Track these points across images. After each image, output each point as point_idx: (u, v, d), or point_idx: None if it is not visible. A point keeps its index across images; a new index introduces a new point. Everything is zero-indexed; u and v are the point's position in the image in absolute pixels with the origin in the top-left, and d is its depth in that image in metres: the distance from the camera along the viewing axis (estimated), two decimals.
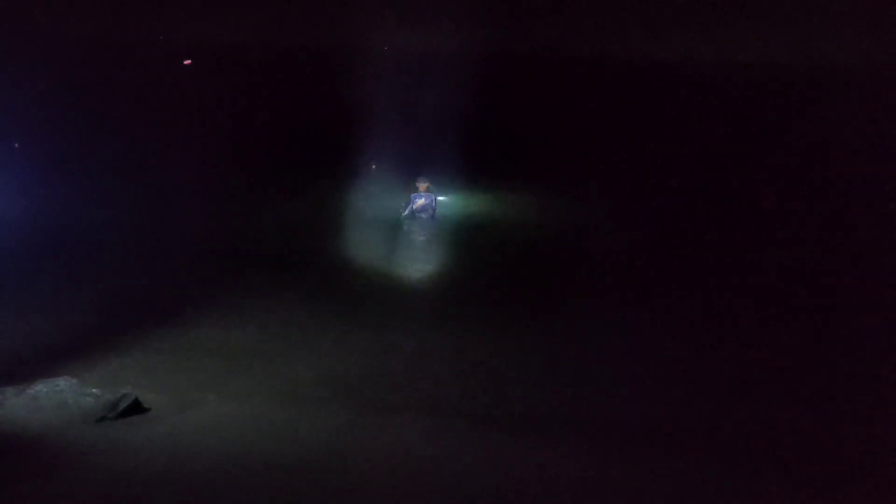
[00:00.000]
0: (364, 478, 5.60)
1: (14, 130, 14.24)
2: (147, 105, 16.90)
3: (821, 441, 6.66)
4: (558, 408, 7.33)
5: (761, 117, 19.23)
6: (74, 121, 15.78)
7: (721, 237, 12.27)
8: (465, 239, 12.19)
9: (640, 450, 6.37)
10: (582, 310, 9.71)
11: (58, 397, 6.77)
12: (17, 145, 12.79)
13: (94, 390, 6.88)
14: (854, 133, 17.07)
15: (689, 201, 14.11)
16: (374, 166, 14.33)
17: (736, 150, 17.20)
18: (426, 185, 12.90)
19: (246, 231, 12.29)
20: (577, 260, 11.56)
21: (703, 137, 17.82)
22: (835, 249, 11.53)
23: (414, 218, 12.67)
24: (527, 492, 5.56)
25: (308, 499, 5.27)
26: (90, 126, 15.67)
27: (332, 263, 11.01)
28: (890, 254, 11.04)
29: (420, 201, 12.68)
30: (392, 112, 15.86)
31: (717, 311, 9.62)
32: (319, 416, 6.79)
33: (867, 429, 6.87)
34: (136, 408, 6.71)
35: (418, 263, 11.24)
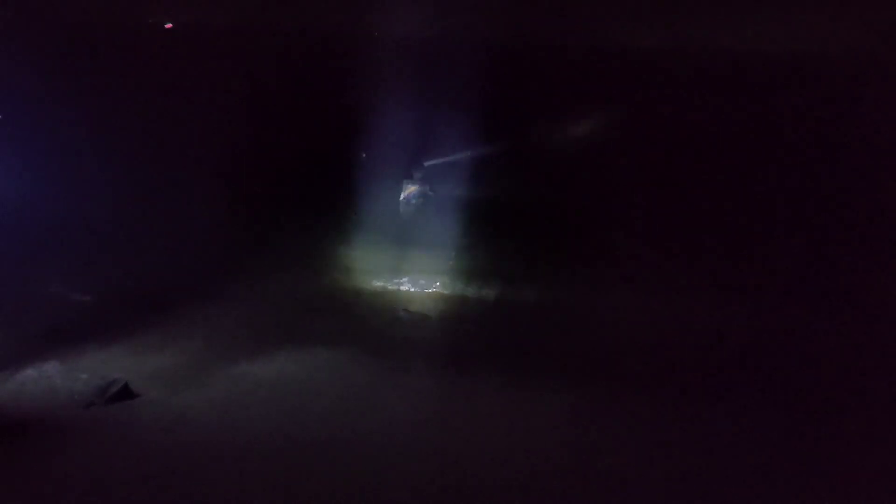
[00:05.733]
0: (362, 459, 5.63)
1: None
2: (132, 91, 16.52)
3: None
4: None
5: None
6: (57, 107, 15.39)
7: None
8: (453, 228, 12.16)
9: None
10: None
11: (46, 382, 6.74)
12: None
13: (82, 375, 6.85)
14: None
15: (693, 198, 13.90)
16: (364, 155, 14.11)
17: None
18: (420, 175, 12.85)
19: (236, 217, 12.13)
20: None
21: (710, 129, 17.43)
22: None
23: (405, 207, 12.64)
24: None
25: (300, 483, 5.30)
26: (73, 113, 15.28)
27: (322, 249, 10.99)
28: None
29: (411, 188, 12.66)
30: (392, 102, 15.57)
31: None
32: (313, 399, 6.80)
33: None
34: (126, 393, 6.69)
35: (403, 247, 11.30)
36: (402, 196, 12.74)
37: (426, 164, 12.93)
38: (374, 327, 8.79)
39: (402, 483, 5.33)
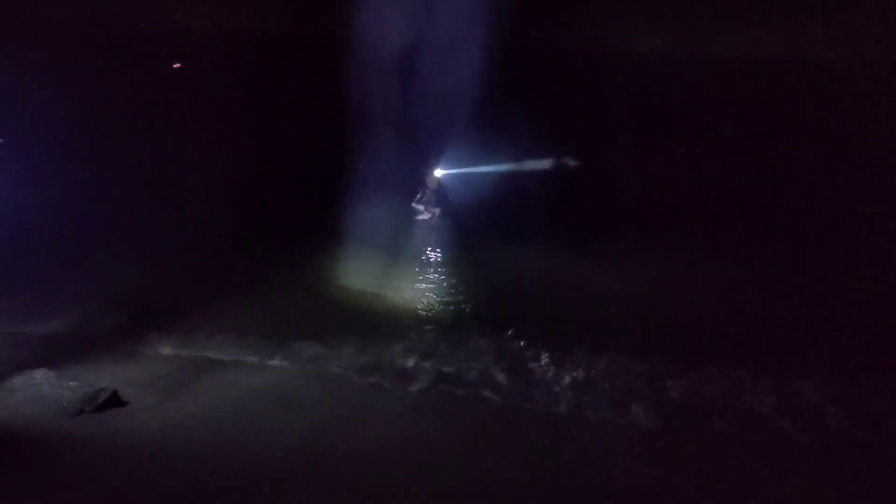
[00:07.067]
0: (346, 466, 5.65)
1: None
2: (129, 98, 16.41)
3: None
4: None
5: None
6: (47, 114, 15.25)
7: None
8: (462, 227, 12.15)
9: None
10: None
11: (35, 390, 6.72)
12: (1, 140, 12.47)
13: (71, 383, 6.83)
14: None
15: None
16: (361, 165, 14.00)
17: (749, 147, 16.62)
18: (434, 179, 12.85)
19: (226, 228, 12.01)
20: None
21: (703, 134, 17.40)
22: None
23: (419, 210, 12.62)
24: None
25: (289, 488, 5.32)
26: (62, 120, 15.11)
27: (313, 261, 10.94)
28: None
29: (424, 195, 12.66)
30: (403, 105, 15.48)
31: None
32: (297, 407, 6.81)
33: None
34: (115, 401, 6.68)
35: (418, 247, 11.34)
36: (412, 206, 12.65)
37: (430, 177, 12.89)
38: (363, 340, 8.76)
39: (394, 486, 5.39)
